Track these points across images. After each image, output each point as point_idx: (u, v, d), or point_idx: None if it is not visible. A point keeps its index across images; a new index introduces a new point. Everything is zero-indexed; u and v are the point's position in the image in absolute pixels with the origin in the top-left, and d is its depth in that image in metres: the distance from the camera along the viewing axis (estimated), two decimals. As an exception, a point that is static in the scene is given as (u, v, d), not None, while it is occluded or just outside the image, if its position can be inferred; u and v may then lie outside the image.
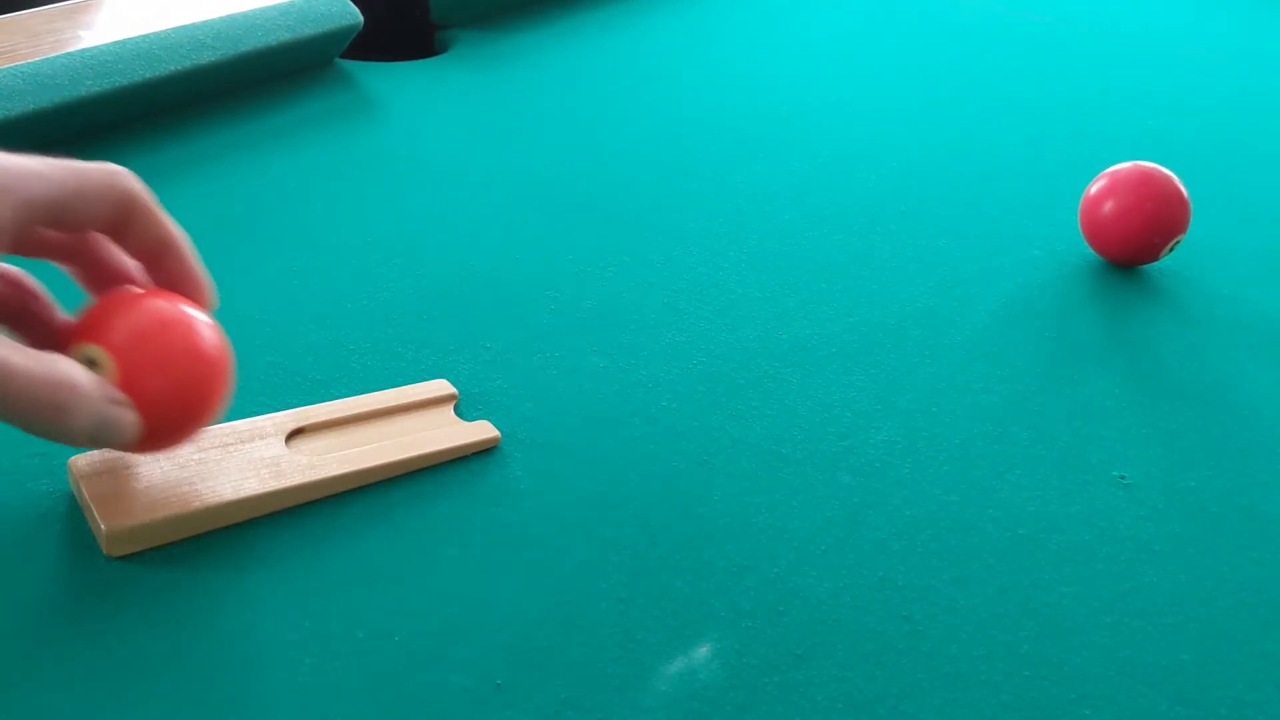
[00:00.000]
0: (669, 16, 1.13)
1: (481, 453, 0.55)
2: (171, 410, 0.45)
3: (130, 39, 0.79)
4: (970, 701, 0.45)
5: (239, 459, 0.51)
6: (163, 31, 0.81)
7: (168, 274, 0.47)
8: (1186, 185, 0.73)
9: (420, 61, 0.99)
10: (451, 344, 0.62)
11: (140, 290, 0.47)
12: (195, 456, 0.50)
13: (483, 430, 0.56)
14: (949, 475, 0.57)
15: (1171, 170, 0.73)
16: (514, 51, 1.01)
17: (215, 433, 0.52)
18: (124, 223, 0.45)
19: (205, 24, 0.83)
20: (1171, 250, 0.73)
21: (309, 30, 0.88)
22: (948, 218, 0.81)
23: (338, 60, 0.94)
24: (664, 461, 0.56)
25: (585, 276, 0.70)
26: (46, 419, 0.41)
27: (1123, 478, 0.58)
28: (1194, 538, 0.54)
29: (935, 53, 1.11)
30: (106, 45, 0.78)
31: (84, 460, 0.49)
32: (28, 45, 0.84)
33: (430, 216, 0.75)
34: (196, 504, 0.48)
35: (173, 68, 0.80)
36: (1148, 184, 0.72)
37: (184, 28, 0.82)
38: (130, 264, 0.48)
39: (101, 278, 0.48)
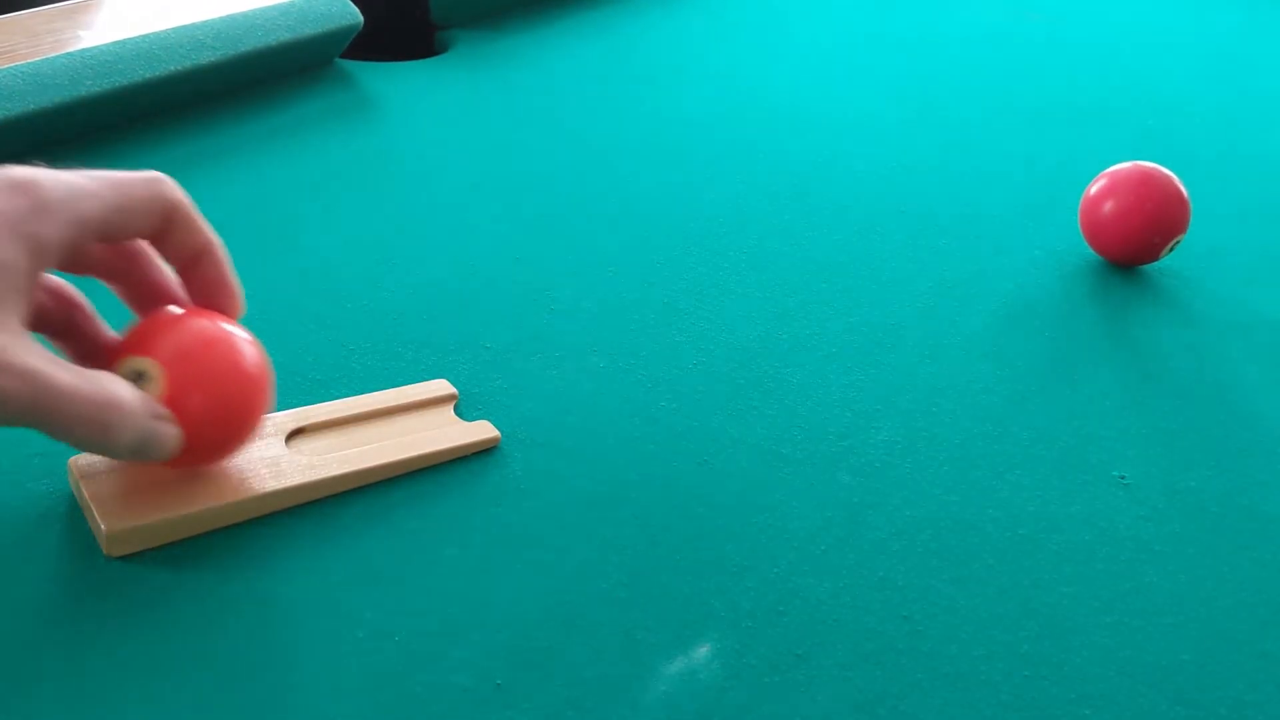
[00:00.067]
0: (669, 16, 1.13)
1: (481, 453, 0.55)
2: (215, 426, 0.47)
3: (130, 39, 0.79)
4: (970, 701, 0.45)
5: (239, 459, 0.51)
6: (163, 31, 0.81)
7: (203, 279, 0.48)
8: (1186, 185, 0.73)
9: (420, 61, 0.99)
10: (451, 344, 0.62)
11: (186, 309, 0.49)
12: (195, 456, 0.51)
13: (483, 430, 0.56)
14: (949, 475, 0.57)
15: (1171, 170, 0.73)
16: (514, 51, 1.01)
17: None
18: (166, 230, 0.47)
19: (205, 24, 0.83)
20: (1171, 250, 0.73)
21: (309, 30, 0.88)
22: (948, 218, 0.81)
23: (338, 60, 0.94)
24: (664, 461, 0.56)
25: (585, 276, 0.70)
26: (93, 436, 0.43)
27: (1123, 478, 0.58)
28: (1194, 538, 0.54)
29: (935, 52, 1.11)
30: (106, 45, 0.78)
31: (84, 460, 0.49)
32: (28, 45, 0.84)
33: (430, 216, 0.75)
34: (196, 504, 0.48)
35: (173, 68, 0.80)
36: (1148, 184, 0.72)
37: (184, 28, 0.82)
38: (173, 281, 0.49)
39: (145, 296, 0.49)
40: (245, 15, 0.86)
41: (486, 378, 0.60)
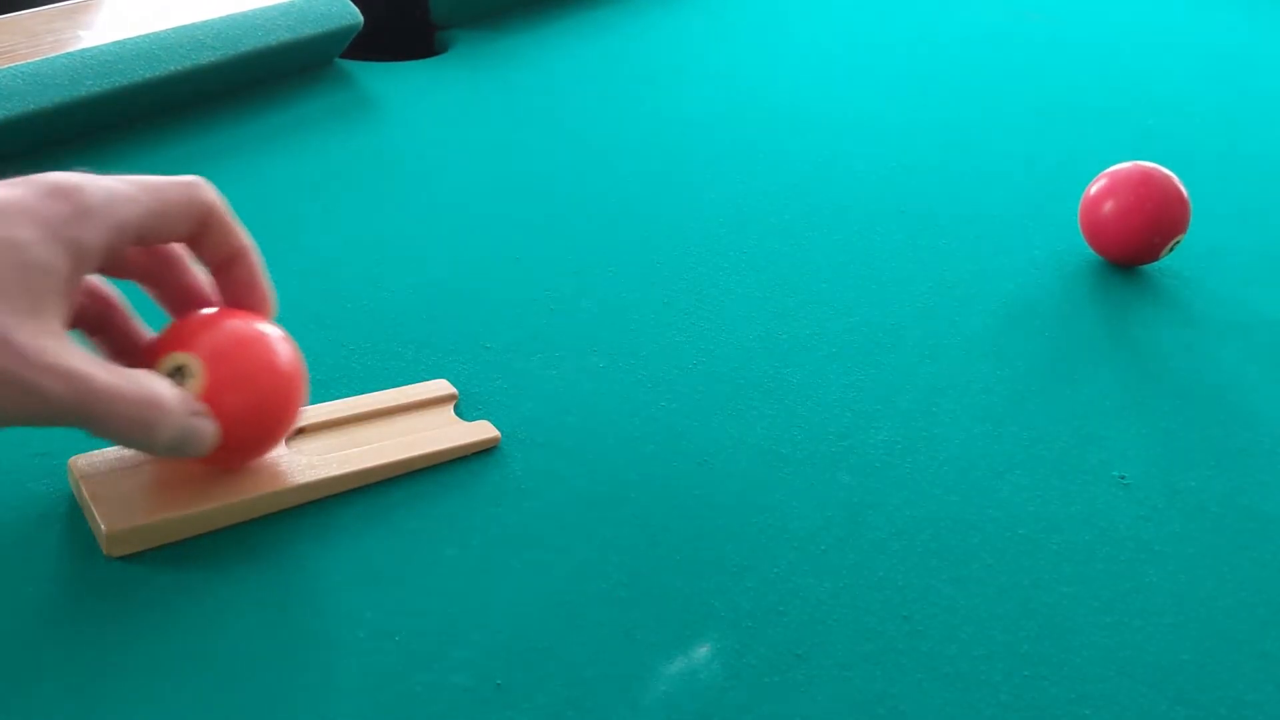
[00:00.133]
0: (669, 16, 1.13)
1: (481, 453, 0.55)
2: (251, 423, 0.48)
3: (130, 39, 0.79)
4: (970, 701, 0.45)
5: (239, 459, 0.51)
6: (163, 31, 0.81)
7: (236, 281, 0.49)
8: (1186, 185, 0.73)
9: (420, 61, 0.99)
10: (451, 344, 0.62)
11: (221, 310, 0.49)
12: (195, 456, 0.51)
13: (483, 430, 0.56)
14: (949, 475, 0.57)
15: (1171, 170, 0.73)
16: (514, 51, 1.01)
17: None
18: (202, 233, 0.47)
19: (205, 24, 0.83)
20: (1171, 250, 0.73)
21: (309, 30, 0.88)
22: (948, 218, 0.81)
23: (338, 60, 0.94)
24: (664, 461, 0.56)
25: (585, 276, 0.70)
26: (135, 434, 0.43)
27: (1123, 478, 0.58)
28: (1194, 538, 0.54)
29: (936, 53, 1.11)
30: (106, 45, 0.78)
31: (84, 460, 0.49)
32: (28, 45, 0.84)
33: (430, 216, 0.75)
34: (196, 504, 0.48)
35: (173, 68, 0.80)
36: (1148, 184, 0.72)
37: (184, 28, 0.82)
38: (207, 285, 0.50)
39: (179, 299, 0.50)
40: (245, 15, 0.86)
41: (486, 378, 0.60)
